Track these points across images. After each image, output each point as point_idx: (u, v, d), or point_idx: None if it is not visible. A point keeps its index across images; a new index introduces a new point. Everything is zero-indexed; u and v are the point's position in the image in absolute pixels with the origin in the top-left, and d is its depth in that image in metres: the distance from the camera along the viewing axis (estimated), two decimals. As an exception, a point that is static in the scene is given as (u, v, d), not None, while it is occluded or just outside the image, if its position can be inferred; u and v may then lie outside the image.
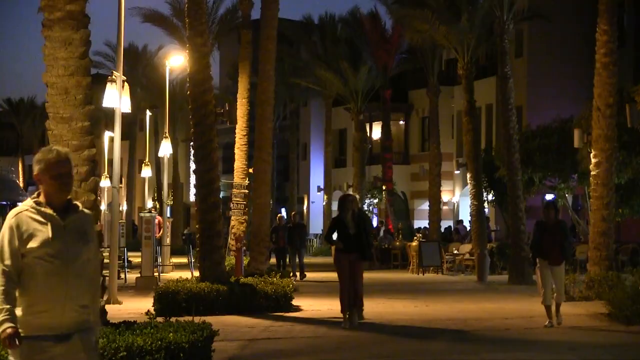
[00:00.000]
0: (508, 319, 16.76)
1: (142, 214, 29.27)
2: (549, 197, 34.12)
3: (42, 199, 5.43)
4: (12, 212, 5.39)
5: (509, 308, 18.99)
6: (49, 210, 5.37)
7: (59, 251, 5.31)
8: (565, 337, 14.52)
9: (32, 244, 5.29)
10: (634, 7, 40.57)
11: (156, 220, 28.76)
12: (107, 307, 12.68)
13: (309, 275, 28.63)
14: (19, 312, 5.28)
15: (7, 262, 5.28)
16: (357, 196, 36.57)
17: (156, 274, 26.59)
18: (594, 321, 16.57)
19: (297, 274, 28.85)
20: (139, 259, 27.93)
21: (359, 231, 15.52)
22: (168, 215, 40.66)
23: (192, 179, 39.80)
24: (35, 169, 5.44)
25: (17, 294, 5.30)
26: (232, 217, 27.07)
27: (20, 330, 5.21)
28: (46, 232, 5.32)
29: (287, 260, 30.04)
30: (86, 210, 5.57)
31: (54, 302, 5.29)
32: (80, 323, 5.39)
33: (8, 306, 5.22)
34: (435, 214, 41.35)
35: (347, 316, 15.52)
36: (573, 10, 41.95)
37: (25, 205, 5.43)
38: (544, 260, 15.32)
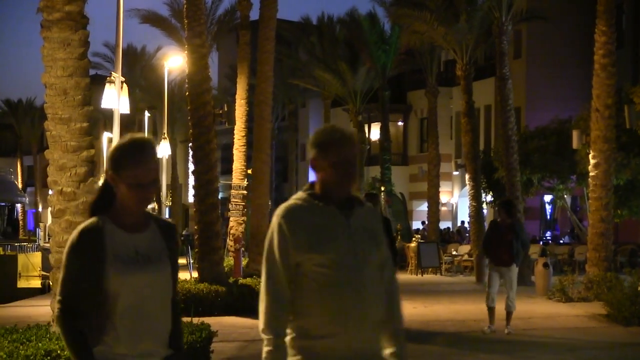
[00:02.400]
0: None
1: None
2: (548, 198, 34.15)
3: (318, 190, 4.28)
4: (282, 209, 4.24)
5: (508, 309, 18.96)
6: (329, 206, 4.24)
7: (347, 257, 4.18)
8: (564, 338, 14.53)
9: (311, 248, 4.16)
10: (632, 8, 40.59)
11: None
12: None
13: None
14: (293, 336, 4.18)
15: (277, 276, 4.17)
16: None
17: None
18: (593, 322, 16.58)
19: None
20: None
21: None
22: (167, 216, 40.62)
23: (191, 179, 39.79)
24: (312, 152, 4.27)
25: (289, 315, 4.20)
26: (231, 218, 27.07)
27: (296, 358, 4.15)
28: (328, 233, 4.20)
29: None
30: (369, 204, 4.45)
31: (345, 323, 4.12)
32: (378, 350, 4.26)
33: (270, 337, 4.10)
34: (433, 215, 41.31)
35: None
36: (572, 11, 42.00)
37: (298, 199, 4.27)
38: (491, 261, 14.95)
